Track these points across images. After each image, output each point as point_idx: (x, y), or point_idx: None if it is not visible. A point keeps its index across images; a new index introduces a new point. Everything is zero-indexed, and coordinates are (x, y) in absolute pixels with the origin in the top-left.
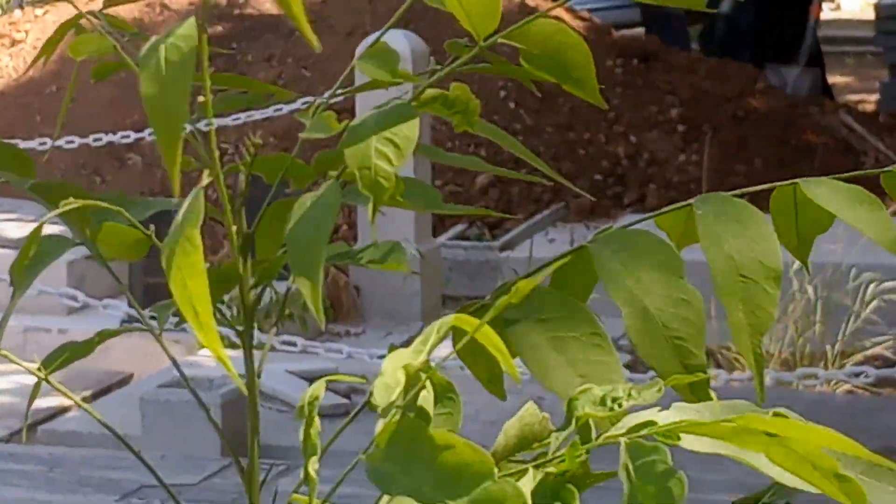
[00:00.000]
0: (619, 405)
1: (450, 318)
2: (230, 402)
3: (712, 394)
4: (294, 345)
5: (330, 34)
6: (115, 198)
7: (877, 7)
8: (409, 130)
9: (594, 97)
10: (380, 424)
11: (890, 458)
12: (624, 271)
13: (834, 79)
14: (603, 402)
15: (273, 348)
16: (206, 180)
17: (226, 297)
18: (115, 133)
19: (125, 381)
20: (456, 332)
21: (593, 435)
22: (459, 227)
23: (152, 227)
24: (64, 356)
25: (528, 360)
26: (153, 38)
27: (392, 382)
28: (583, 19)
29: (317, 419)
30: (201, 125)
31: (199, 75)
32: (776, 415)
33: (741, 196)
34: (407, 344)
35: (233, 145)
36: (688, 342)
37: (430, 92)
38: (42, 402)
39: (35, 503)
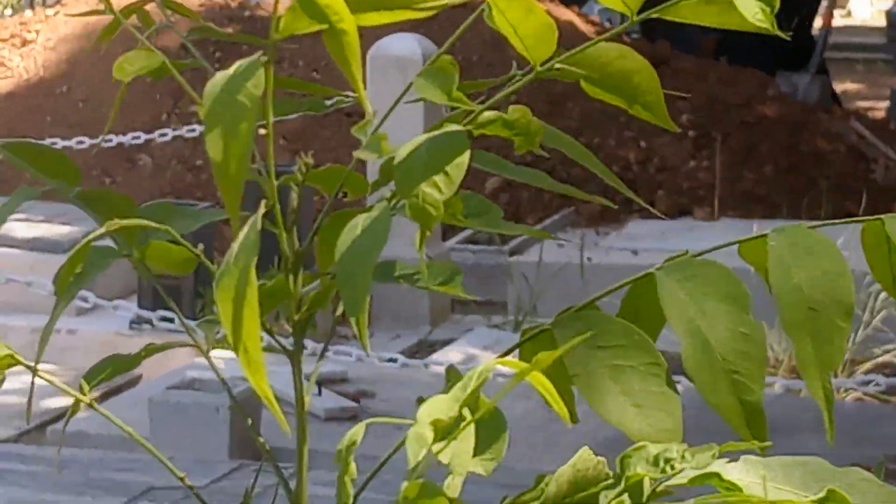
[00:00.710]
0: (672, 467)
1: (492, 363)
2: (241, 403)
3: (767, 431)
4: (305, 347)
5: None
6: (163, 209)
7: (888, 14)
8: (462, 159)
9: (665, 121)
10: (405, 484)
11: None
12: (689, 301)
13: (844, 86)
14: (656, 461)
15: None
16: (263, 209)
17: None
18: (125, 134)
19: (134, 382)
20: (522, 354)
21: (645, 495)
22: (469, 231)
23: (201, 245)
24: (108, 369)
25: (583, 387)
26: (217, 81)
27: (425, 434)
28: (593, 24)
29: (353, 465)
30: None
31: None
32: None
33: (815, 227)
34: (414, 348)
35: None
36: (746, 378)
37: (488, 114)
38: (51, 403)
39: None
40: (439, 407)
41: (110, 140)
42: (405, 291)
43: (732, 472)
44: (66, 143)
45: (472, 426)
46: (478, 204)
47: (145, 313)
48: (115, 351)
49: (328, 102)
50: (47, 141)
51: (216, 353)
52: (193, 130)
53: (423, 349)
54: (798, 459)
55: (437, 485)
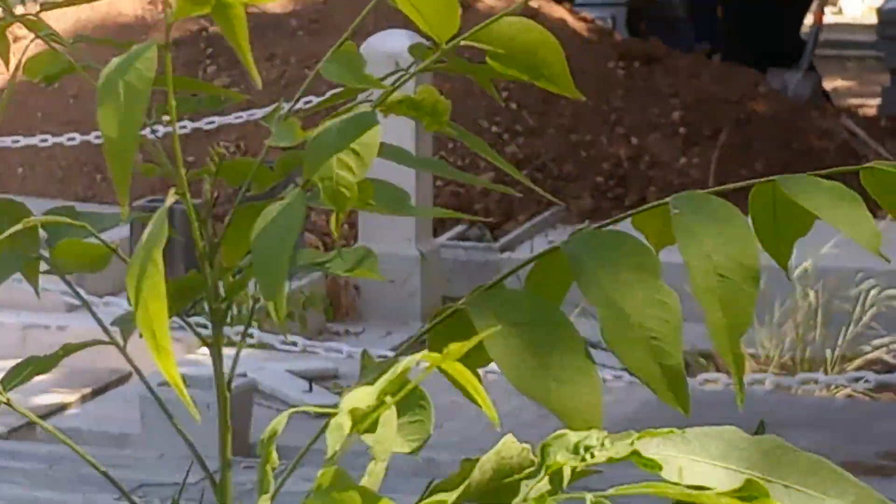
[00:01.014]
0: (592, 455)
1: (413, 358)
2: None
3: (688, 394)
4: (294, 344)
5: (332, 34)
6: (66, 212)
7: (879, 11)
8: (371, 139)
9: (570, 91)
10: (321, 471)
11: (890, 462)
12: (600, 272)
13: (835, 83)
14: (576, 449)
15: (273, 347)
16: (171, 199)
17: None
18: None
19: (124, 379)
20: (433, 341)
21: (565, 482)
22: (460, 228)
23: (116, 240)
24: (27, 371)
25: (502, 364)
26: (112, 64)
27: (343, 423)
28: (584, 20)
29: (275, 455)
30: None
31: (162, 78)
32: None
33: (719, 194)
34: (406, 345)
35: (204, 148)
36: (664, 342)
37: (396, 95)
38: (42, 400)
39: (35, 501)
40: (360, 396)
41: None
42: (396, 289)
43: (650, 447)
44: (57, 139)
45: (394, 413)
46: (387, 190)
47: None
48: (106, 348)
49: (261, 113)
50: (38, 138)
51: (206, 350)
52: (185, 127)
53: (414, 346)
54: (715, 430)
55: (351, 475)
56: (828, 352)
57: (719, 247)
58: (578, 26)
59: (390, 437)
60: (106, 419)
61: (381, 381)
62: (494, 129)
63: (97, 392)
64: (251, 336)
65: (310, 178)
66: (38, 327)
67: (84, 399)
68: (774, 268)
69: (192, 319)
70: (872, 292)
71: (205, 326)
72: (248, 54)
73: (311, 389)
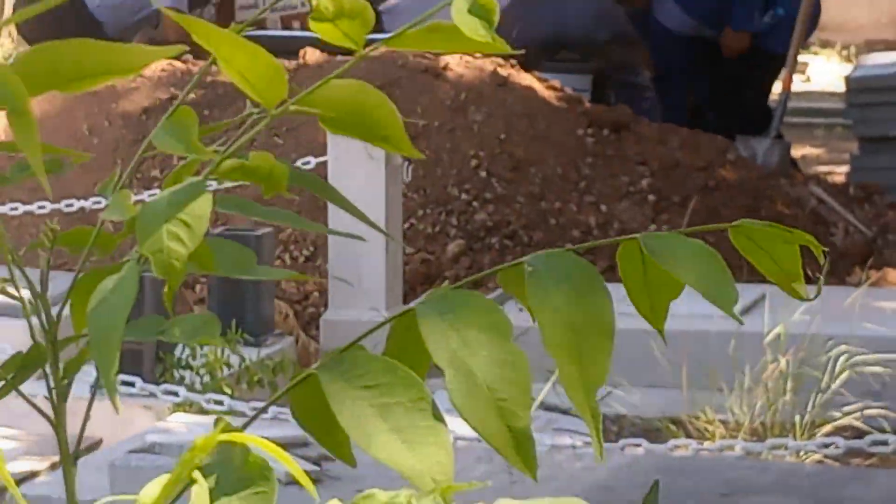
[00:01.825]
0: None
1: (212, 437)
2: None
3: (535, 457)
4: (265, 411)
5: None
6: None
7: (847, 80)
8: (201, 209)
9: (408, 151)
10: None
11: None
12: (451, 332)
13: (804, 150)
14: None
15: (243, 414)
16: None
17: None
18: (86, 199)
19: (94, 446)
20: (293, 403)
21: None
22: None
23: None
24: None
25: (350, 428)
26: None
27: None
28: (554, 89)
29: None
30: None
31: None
32: None
33: (579, 253)
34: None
35: None
36: (513, 404)
37: (230, 163)
38: (12, 467)
39: None
40: (156, 489)
41: (71, 205)
42: None
43: None
44: (28, 207)
45: (205, 489)
46: (231, 252)
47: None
48: (76, 415)
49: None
50: (7, 206)
51: (177, 417)
52: (155, 195)
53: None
54: (560, 500)
55: None
56: (797, 417)
57: (571, 304)
58: (547, 94)
59: None
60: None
61: (172, 475)
62: (464, 196)
63: None
64: (221, 403)
65: (140, 249)
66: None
67: (54, 467)
68: (746, 333)
69: (163, 387)
70: (842, 359)
71: (175, 394)
72: (39, 158)
73: None
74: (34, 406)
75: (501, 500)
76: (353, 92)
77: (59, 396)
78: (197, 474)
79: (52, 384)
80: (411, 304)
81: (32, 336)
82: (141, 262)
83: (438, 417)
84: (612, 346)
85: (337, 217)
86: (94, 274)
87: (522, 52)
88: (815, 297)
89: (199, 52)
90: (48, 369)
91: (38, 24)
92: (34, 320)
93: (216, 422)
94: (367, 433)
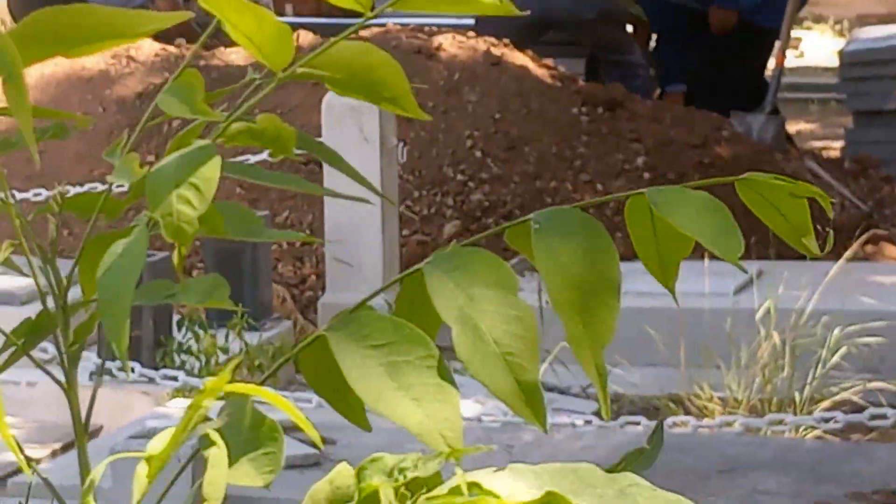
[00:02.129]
0: (405, 476)
1: (221, 380)
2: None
3: (545, 409)
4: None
5: (299, 85)
6: None
7: (840, 54)
8: (211, 172)
9: (413, 112)
10: None
11: (859, 503)
12: (456, 290)
13: (798, 126)
14: (391, 472)
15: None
16: (5, 251)
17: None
18: (82, 185)
19: (95, 433)
20: (304, 367)
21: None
22: None
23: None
24: None
25: (359, 388)
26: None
27: (140, 472)
28: (547, 67)
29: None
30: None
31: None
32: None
33: (584, 209)
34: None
35: None
36: (520, 358)
37: (237, 126)
38: (12, 455)
39: None
40: (157, 443)
41: (68, 192)
42: None
43: (498, 480)
44: (24, 195)
45: (224, 452)
46: (237, 214)
47: (105, 363)
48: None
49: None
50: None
51: (177, 403)
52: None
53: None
54: (568, 466)
55: None
56: (796, 393)
57: (577, 260)
58: (541, 73)
59: (221, 477)
60: (77, 474)
61: (180, 424)
62: (459, 177)
63: (67, 447)
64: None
65: (152, 214)
66: (7, 383)
67: (55, 454)
68: (741, 310)
69: (162, 371)
70: (837, 332)
71: (174, 379)
72: (30, 125)
73: None
74: (45, 370)
75: (514, 464)
76: (358, 53)
77: (70, 362)
78: (214, 434)
79: (62, 349)
80: (419, 266)
81: (42, 300)
82: (150, 225)
83: (447, 376)
84: (618, 304)
85: (333, 199)
86: (101, 239)
87: (527, 12)
88: (826, 251)
89: (192, 37)
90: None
91: (30, 8)
92: (42, 281)
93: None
94: (375, 392)
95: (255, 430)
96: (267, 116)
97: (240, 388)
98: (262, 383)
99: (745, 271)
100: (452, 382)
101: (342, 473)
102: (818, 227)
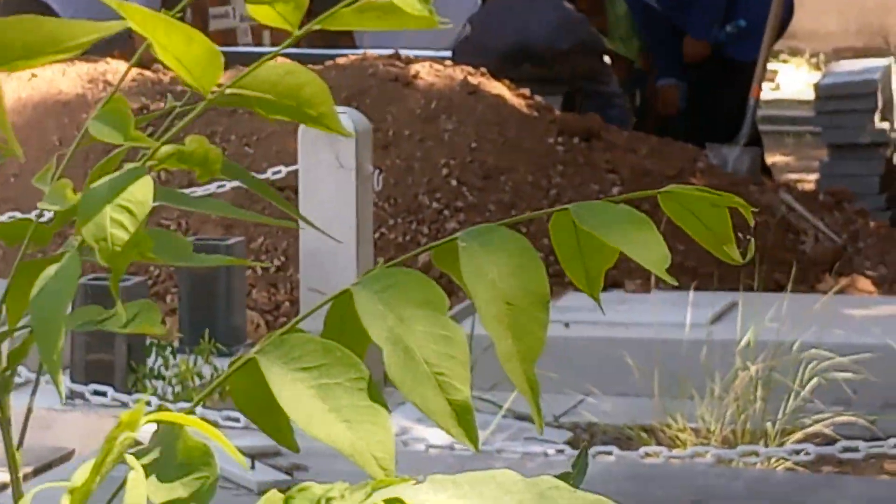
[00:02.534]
0: None
1: (136, 413)
2: None
3: (476, 429)
4: (237, 420)
5: None
6: None
7: (816, 87)
8: (143, 194)
9: (337, 129)
10: None
11: None
12: (386, 310)
13: (774, 158)
14: (319, 501)
15: (216, 424)
16: None
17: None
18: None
19: (66, 457)
20: (234, 390)
21: None
22: None
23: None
24: None
25: (290, 410)
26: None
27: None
28: (524, 96)
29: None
30: None
31: None
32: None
33: (511, 227)
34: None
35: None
36: (451, 377)
37: (166, 149)
38: None
39: None
40: (80, 474)
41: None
42: None
43: (418, 494)
44: (1, 217)
45: (141, 474)
46: (167, 240)
47: (78, 387)
48: (49, 426)
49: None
50: None
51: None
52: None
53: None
54: (488, 474)
55: None
56: (768, 425)
57: (505, 276)
58: (517, 102)
59: (139, 498)
60: (49, 498)
61: (100, 453)
62: (435, 205)
63: (39, 471)
64: (192, 412)
65: (77, 232)
66: None
67: (26, 478)
68: (717, 341)
69: (134, 397)
70: (811, 366)
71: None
72: (7, 126)
73: (252, 466)
74: None
75: (434, 476)
76: (285, 73)
77: (2, 388)
78: (131, 458)
79: None
80: (347, 287)
81: None
82: (82, 249)
83: (377, 398)
84: (547, 317)
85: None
86: (32, 265)
87: (449, 23)
88: (748, 258)
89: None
90: None
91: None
92: None
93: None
94: (307, 414)
95: (187, 454)
96: (195, 138)
97: (168, 416)
98: (193, 408)
99: (676, 283)
100: (384, 404)
101: (271, 500)
102: (740, 234)
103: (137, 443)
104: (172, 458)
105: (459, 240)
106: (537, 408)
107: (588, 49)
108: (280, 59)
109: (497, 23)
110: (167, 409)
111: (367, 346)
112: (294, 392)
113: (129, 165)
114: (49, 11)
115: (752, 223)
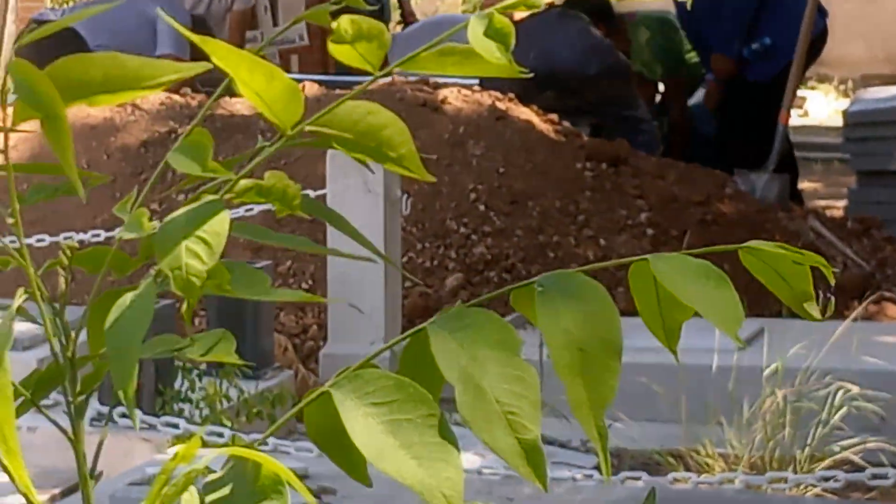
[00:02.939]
0: None
1: (192, 445)
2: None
3: (546, 468)
4: (266, 444)
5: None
6: None
7: (844, 114)
8: (220, 226)
9: (420, 173)
10: None
11: None
12: (459, 350)
13: (802, 184)
14: None
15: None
16: (18, 299)
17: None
18: (85, 232)
19: (95, 479)
20: (308, 422)
21: None
22: None
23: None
24: None
25: (361, 444)
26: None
27: None
28: (552, 122)
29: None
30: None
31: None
32: None
33: (587, 273)
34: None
35: None
36: (522, 417)
37: (245, 183)
38: (11, 501)
39: None
40: None
41: (70, 237)
42: None
43: None
44: (27, 241)
45: (195, 498)
46: (243, 273)
47: (106, 410)
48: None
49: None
50: (7, 239)
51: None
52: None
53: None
54: None
55: None
56: (797, 451)
57: (579, 323)
58: (545, 127)
59: None
60: None
61: (153, 487)
62: (462, 229)
63: (66, 493)
64: (221, 435)
65: (158, 263)
66: None
67: (53, 499)
68: (744, 367)
69: (162, 419)
70: (840, 393)
71: (175, 426)
72: (72, 165)
73: None
74: (50, 419)
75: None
76: (366, 113)
77: (77, 413)
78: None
79: (69, 399)
80: (423, 324)
81: (53, 353)
82: (158, 279)
83: (448, 435)
84: (619, 366)
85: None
86: (110, 294)
87: (528, 72)
88: (827, 316)
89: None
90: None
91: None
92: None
93: (232, 438)
94: (377, 449)
95: (259, 482)
96: (274, 174)
97: (233, 451)
98: (265, 439)
99: (743, 344)
100: (454, 441)
101: None
102: (819, 291)
103: (210, 470)
104: (244, 485)
105: (536, 284)
106: (605, 456)
107: (615, 74)
108: (309, 86)
109: (524, 48)
110: (240, 440)
111: (443, 382)
112: (365, 426)
113: (207, 197)
114: (78, 39)
115: (832, 282)
